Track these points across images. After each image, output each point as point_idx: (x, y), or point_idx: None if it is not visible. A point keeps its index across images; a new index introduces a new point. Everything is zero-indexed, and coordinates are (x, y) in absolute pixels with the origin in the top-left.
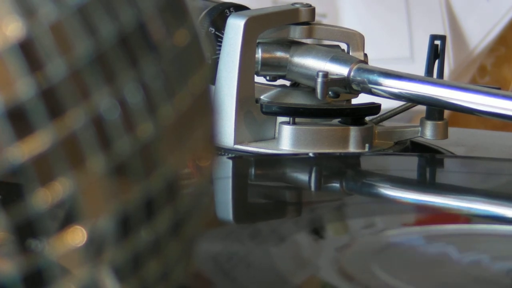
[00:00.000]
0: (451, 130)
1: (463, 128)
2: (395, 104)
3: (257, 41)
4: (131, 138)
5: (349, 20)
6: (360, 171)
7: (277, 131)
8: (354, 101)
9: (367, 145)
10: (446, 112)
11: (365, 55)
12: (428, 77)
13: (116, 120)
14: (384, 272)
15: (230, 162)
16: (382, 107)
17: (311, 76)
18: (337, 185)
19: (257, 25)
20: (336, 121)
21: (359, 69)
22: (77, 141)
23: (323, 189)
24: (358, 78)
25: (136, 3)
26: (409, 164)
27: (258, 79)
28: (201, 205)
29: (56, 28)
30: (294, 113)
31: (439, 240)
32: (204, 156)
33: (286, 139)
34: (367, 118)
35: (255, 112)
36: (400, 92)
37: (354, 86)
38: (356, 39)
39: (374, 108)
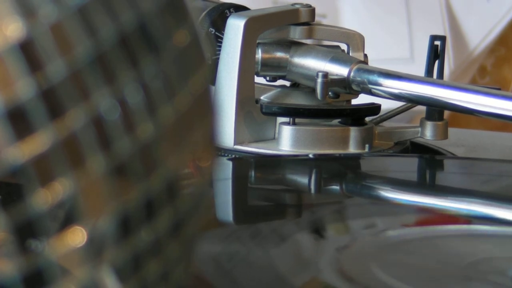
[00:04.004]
0: (451, 130)
1: (463, 129)
2: (395, 104)
3: (257, 41)
4: (131, 138)
5: (349, 20)
6: (360, 172)
7: (277, 131)
8: (354, 101)
9: (367, 145)
10: (446, 113)
11: (365, 55)
12: (428, 78)
13: (116, 120)
14: (384, 273)
15: (230, 164)
16: (382, 107)
17: (311, 76)
18: (337, 186)
19: (257, 26)
20: (336, 121)
21: (359, 69)
22: (77, 141)
23: (323, 190)
24: (358, 79)
25: (136, 3)
26: (409, 165)
27: (258, 80)
28: (201, 206)
29: (56, 28)
30: (294, 113)
31: (439, 241)
32: (204, 156)
33: (286, 139)
34: (367, 119)
35: (255, 113)
36: (400, 93)
37: (354, 87)
38: (356, 40)
39: (374, 109)
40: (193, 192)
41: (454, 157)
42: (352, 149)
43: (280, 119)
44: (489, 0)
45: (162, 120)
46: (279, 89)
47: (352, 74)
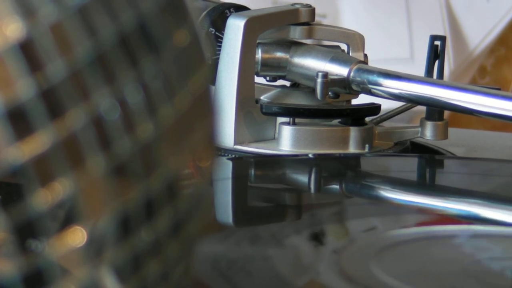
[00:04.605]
0: (451, 130)
1: (463, 129)
2: (395, 104)
3: (257, 41)
4: (131, 138)
5: (349, 20)
6: (360, 172)
7: (277, 131)
8: (354, 101)
9: (367, 145)
10: (446, 113)
11: (365, 55)
12: (428, 78)
13: (116, 120)
14: (384, 273)
15: (229, 163)
16: (382, 107)
17: (311, 76)
18: (336, 186)
19: (257, 26)
20: (336, 121)
21: (358, 69)
22: (77, 141)
23: (323, 190)
24: (358, 79)
25: (136, 3)
26: (409, 165)
27: (258, 80)
28: (201, 206)
29: (56, 28)
30: (294, 113)
31: (439, 241)
32: (204, 156)
33: (286, 139)
34: (367, 119)
35: (255, 113)
36: (400, 93)
37: (354, 87)
38: (356, 40)
39: (374, 109)
40: (193, 192)
41: (454, 157)
42: (352, 149)
43: (280, 119)
44: (489, 0)
45: (162, 120)
46: (279, 89)
47: (352, 74)
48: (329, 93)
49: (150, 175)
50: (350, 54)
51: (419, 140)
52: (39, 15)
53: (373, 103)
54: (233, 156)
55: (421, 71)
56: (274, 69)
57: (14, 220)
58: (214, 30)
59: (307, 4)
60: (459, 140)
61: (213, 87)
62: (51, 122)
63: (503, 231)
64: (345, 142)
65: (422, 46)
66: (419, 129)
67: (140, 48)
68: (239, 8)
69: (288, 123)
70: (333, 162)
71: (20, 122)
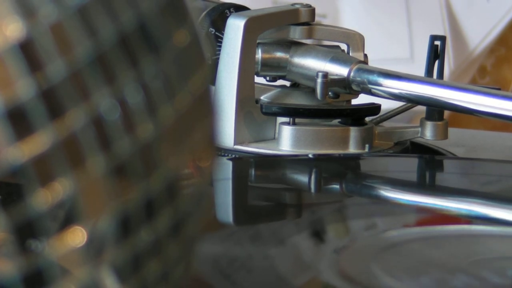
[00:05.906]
0: (451, 130)
1: (463, 129)
2: (395, 104)
3: (257, 41)
4: (131, 138)
5: (349, 20)
6: (360, 172)
7: (277, 131)
8: (354, 101)
9: (367, 145)
10: (446, 113)
11: (365, 55)
12: (428, 78)
13: (116, 120)
14: (384, 273)
15: (230, 164)
16: (382, 107)
17: (311, 76)
18: (337, 186)
19: (257, 26)
20: (336, 121)
21: (359, 69)
22: (77, 141)
23: (323, 190)
24: (358, 79)
25: (136, 3)
26: (409, 165)
27: (258, 80)
28: (201, 206)
29: (56, 28)
30: (294, 113)
31: (439, 241)
32: (204, 156)
33: (286, 139)
34: (367, 119)
35: (255, 113)
36: (400, 93)
37: (354, 87)
38: (356, 40)
39: (374, 109)
40: (193, 192)
41: (454, 157)
42: (352, 149)
43: (280, 119)
44: (489, 0)
45: (162, 120)
46: (279, 89)
47: (352, 74)
48: (329, 93)
49: (150, 175)
50: (350, 54)
51: (419, 140)
52: (39, 15)
53: (373, 103)
54: (233, 156)
55: (421, 71)
56: (274, 69)
57: (14, 220)
58: (214, 30)
59: (307, 4)
60: (459, 140)
61: (213, 87)
62: (51, 122)
63: (503, 231)
64: (345, 142)
65: (422, 46)
66: (419, 129)
67: (140, 48)
68: (239, 8)
69: (288, 123)
70: (333, 162)
71: (20, 122)
